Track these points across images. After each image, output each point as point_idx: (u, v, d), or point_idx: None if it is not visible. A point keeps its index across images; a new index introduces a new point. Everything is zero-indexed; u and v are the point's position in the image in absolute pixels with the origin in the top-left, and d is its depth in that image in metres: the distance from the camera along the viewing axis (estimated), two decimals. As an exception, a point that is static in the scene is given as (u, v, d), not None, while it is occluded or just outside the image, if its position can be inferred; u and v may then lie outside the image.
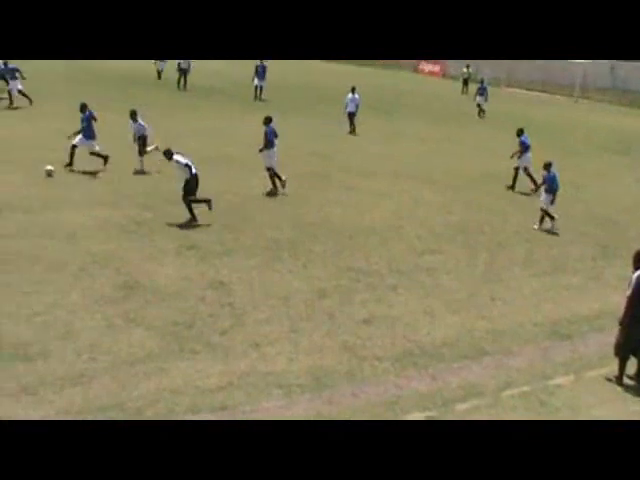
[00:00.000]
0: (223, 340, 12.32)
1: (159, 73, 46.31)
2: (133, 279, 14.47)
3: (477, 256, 17.70)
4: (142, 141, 22.82)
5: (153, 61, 46.42)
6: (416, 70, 72.24)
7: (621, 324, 11.84)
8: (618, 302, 12.79)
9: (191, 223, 18.02)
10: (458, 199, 23.09)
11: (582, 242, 19.58)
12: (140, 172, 22.53)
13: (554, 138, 36.05)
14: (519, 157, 24.62)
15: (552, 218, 20.14)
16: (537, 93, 59.91)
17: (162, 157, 18.52)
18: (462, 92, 54.18)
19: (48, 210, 18.13)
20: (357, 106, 33.27)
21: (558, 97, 58.13)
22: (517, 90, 60.89)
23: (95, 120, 22.49)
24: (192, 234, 17.30)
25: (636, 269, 11.76)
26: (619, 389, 11.86)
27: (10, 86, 33.01)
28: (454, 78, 61.81)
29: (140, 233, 17.15)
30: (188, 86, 42.66)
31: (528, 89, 61.14)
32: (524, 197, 23.12)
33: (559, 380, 12.00)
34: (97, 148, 22.48)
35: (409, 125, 37.52)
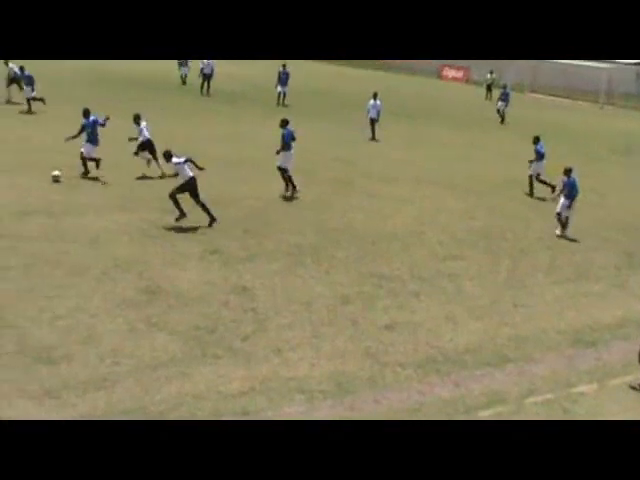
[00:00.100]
0: (245, 345, 12.35)
1: (183, 78, 46.43)
2: (155, 284, 14.53)
3: (500, 262, 17.64)
4: (146, 145, 22.63)
5: (177, 67, 46.56)
6: (439, 76, 72.03)
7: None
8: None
9: (179, 221, 18.02)
10: (480, 205, 23.02)
11: (605, 249, 19.47)
12: (162, 176, 22.44)
13: (577, 144, 35.86)
14: (532, 164, 24.61)
15: (564, 226, 20.00)
16: (561, 99, 59.54)
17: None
18: (485, 98, 53.95)
19: (70, 214, 18.23)
20: (379, 112, 33.18)
21: (581, 103, 57.76)
22: (541, 96, 60.54)
23: (102, 126, 22.18)
24: (214, 239, 17.35)
25: None
26: (643, 397, 11.79)
27: (25, 93, 33.09)
28: (477, 84, 61.54)
29: (162, 237, 17.22)
30: (211, 91, 42.76)
31: (552, 95, 60.77)
32: (546, 203, 22.99)
33: (583, 388, 11.95)
34: (94, 155, 22.02)
35: (432, 131, 37.44)
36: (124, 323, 12.75)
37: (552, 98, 59.88)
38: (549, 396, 11.57)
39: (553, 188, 23.45)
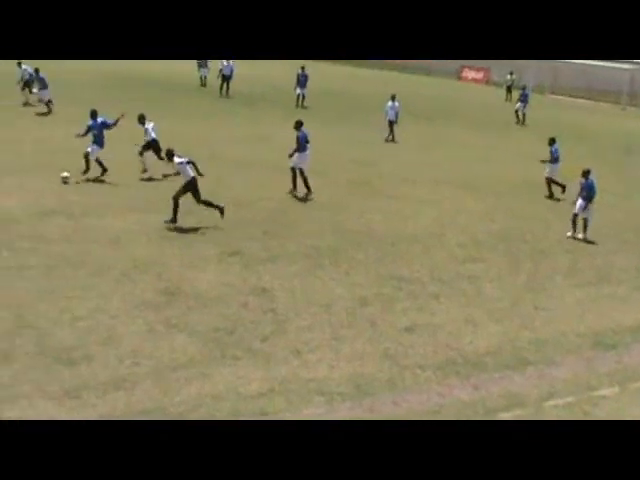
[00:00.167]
0: (264, 346, 12.35)
1: (202, 80, 46.55)
2: (174, 285, 14.57)
3: (519, 265, 17.57)
4: (152, 145, 22.61)
5: (196, 68, 46.69)
6: (459, 77, 71.85)
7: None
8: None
9: (170, 224, 17.95)
10: (500, 206, 22.94)
11: (625, 251, 19.34)
12: (167, 175, 22.32)
13: (597, 146, 35.68)
14: (547, 166, 24.57)
15: (584, 229, 19.88)
16: (582, 100, 59.21)
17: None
18: (505, 99, 53.76)
19: (89, 216, 18.31)
20: (397, 114, 33.15)
21: (602, 104, 57.38)
22: (561, 97, 60.25)
23: (109, 127, 22.05)
24: (233, 240, 17.36)
25: None
26: (665, 401, 11.70)
27: (41, 95, 33.21)
28: (497, 85, 61.34)
29: (181, 239, 17.27)
30: (230, 93, 42.83)
31: (572, 96, 60.46)
32: (566, 205, 22.87)
33: (603, 391, 11.87)
34: (97, 156, 21.95)
35: (451, 132, 37.35)
36: (143, 324, 12.79)
37: (573, 99, 59.58)
38: (569, 399, 11.50)
39: (564, 188, 23.90)
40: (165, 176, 21.56)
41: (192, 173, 18.11)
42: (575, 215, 19.88)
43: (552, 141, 24.63)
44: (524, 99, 42.78)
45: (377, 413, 10.61)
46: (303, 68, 40.86)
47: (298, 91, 41.32)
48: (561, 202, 23.76)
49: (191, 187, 18.11)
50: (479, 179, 26.47)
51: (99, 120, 21.91)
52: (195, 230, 17.91)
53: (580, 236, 19.91)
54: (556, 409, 11.14)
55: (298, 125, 21.96)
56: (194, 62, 46.62)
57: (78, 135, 21.90)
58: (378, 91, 45.77)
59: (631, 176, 29.59)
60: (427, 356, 12.54)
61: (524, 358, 12.82)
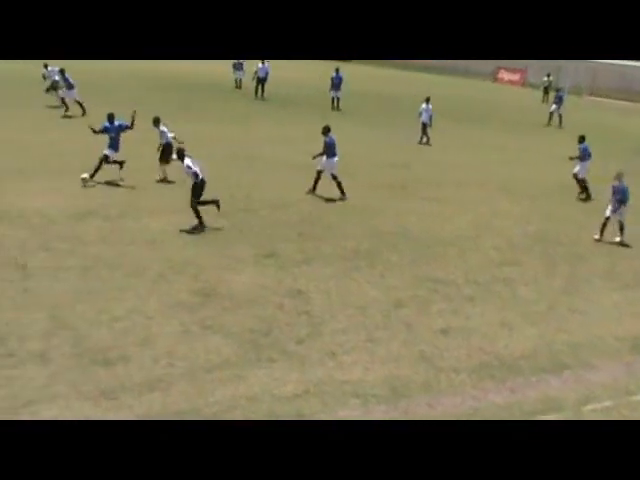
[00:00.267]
0: (300, 348, 12.35)
1: (238, 82, 46.75)
2: (210, 286, 14.62)
3: (556, 267, 17.43)
4: (166, 148, 22.23)
5: (232, 70, 46.92)
6: (495, 79, 71.55)
7: None
8: None
9: (199, 230, 17.91)
10: (535, 209, 22.80)
11: (665, 254, 19.12)
12: (162, 181, 22.31)
13: (632, 148, 35.32)
14: (576, 162, 24.48)
15: (602, 232, 19.64)
16: (620, 102, 58.67)
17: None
18: (542, 101, 53.45)
19: (127, 217, 18.44)
20: (431, 117, 33.03)
21: (640, 106, 56.82)
22: (599, 99, 59.74)
23: (131, 128, 21.88)
24: (269, 242, 17.40)
25: None
26: None
27: (68, 95, 33.39)
28: (534, 87, 60.95)
29: (216, 240, 17.33)
30: (266, 95, 42.98)
31: (611, 97, 59.92)
32: (601, 207, 22.67)
33: (642, 396, 11.74)
34: (112, 160, 21.76)
35: (486, 134, 37.19)
36: (179, 325, 12.84)
37: (611, 101, 59.05)
38: (607, 403, 11.37)
39: (584, 190, 24.57)
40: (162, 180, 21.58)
41: (201, 175, 18.01)
42: (607, 219, 19.63)
43: (582, 139, 24.63)
44: (559, 101, 42.57)
45: (412, 415, 10.57)
46: (337, 70, 40.89)
47: (332, 94, 41.36)
48: (596, 205, 23.52)
49: (200, 189, 18.04)
50: (514, 181, 26.33)
51: (116, 123, 21.79)
52: (231, 231, 17.98)
53: (617, 239, 19.71)
54: (594, 413, 11.02)
55: (326, 131, 21.98)
56: (230, 64, 46.86)
57: (92, 129, 21.86)
58: (413, 93, 45.71)
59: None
60: (462, 359, 12.48)
61: (561, 362, 12.70)
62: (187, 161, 18.04)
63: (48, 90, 34.56)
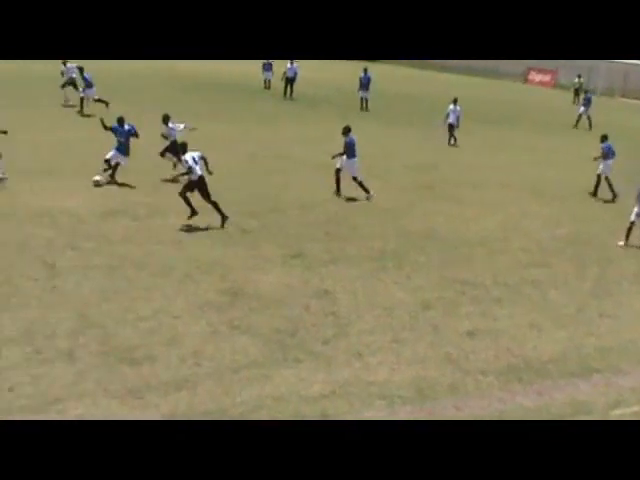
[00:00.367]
0: (326, 349, 12.32)
1: (267, 82, 46.87)
2: (237, 286, 14.62)
3: (585, 270, 17.26)
4: (171, 146, 22.11)
5: (261, 71, 47.03)
6: (525, 80, 71.10)
7: None
8: None
9: (192, 217, 18.00)
10: (565, 211, 22.62)
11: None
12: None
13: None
14: (599, 162, 24.32)
15: (628, 237, 19.30)
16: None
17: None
18: (573, 102, 53.04)
19: (154, 216, 18.50)
20: (458, 118, 32.84)
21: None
22: (632, 101, 59.16)
23: (137, 136, 21.78)
24: (296, 242, 17.39)
25: None
26: None
27: (87, 94, 33.48)
28: (565, 88, 60.48)
29: (245, 240, 17.35)
30: (294, 95, 43.01)
31: (644, 100, 59.33)
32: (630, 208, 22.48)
33: (673, 401, 11.58)
34: (123, 163, 21.62)
35: (515, 136, 36.97)
36: (206, 325, 12.85)
37: (643, 103, 58.50)
38: (636, 408, 11.22)
39: (595, 190, 24.57)
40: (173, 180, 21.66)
41: (200, 172, 17.98)
42: (631, 223, 19.24)
43: (604, 138, 24.52)
44: (587, 103, 42.26)
45: (438, 417, 10.50)
46: (366, 70, 40.83)
47: (361, 94, 41.30)
48: (626, 207, 23.28)
49: (195, 185, 18.02)
50: (543, 183, 26.15)
51: (126, 127, 21.56)
52: (258, 231, 17.99)
53: (622, 244, 19.36)
54: (623, 418, 10.89)
55: (346, 131, 21.97)
56: (259, 65, 46.97)
57: (103, 124, 21.81)
58: (442, 94, 45.53)
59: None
60: (489, 361, 12.38)
61: (590, 365, 12.57)
62: (187, 156, 18.00)
63: (64, 86, 34.71)
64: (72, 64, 34.20)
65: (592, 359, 12.81)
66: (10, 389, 10.35)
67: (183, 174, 18.44)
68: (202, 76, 49.00)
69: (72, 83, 34.45)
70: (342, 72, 52.81)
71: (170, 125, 22.50)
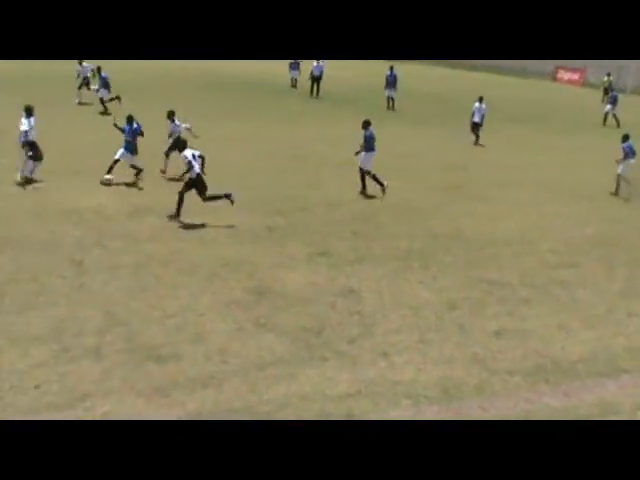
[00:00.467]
0: (352, 348, 12.28)
1: (293, 81, 46.96)
2: (264, 284, 14.63)
3: (614, 271, 17.10)
4: (175, 143, 22.15)
5: (288, 70, 47.14)
6: (554, 78, 70.67)
7: None
8: None
9: (173, 218, 18.08)
10: (594, 211, 22.43)
11: None
12: (163, 172, 22.44)
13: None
14: (620, 163, 24.19)
15: None
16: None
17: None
18: (602, 101, 52.66)
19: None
20: (483, 116, 32.68)
21: None
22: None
23: (142, 135, 21.76)
24: (323, 241, 17.37)
25: None
26: None
27: (101, 94, 33.63)
28: (594, 87, 60.05)
29: (272, 239, 17.35)
30: (321, 93, 43.03)
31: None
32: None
33: (702, 403, 11.43)
34: (137, 163, 21.64)
35: (544, 135, 36.74)
36: (232, 323, 12.86)
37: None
38: (665, 409, 11.12)
39: (616, 190, 24.59)
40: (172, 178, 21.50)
41: (198, 170, 18.03)
42: None
43: (625, 138, 24.53)
44: (613, 101, 42.05)
45: (464, 417, 10.44)
46: (392, 68, 40.74)
47: (387, 93, 41.23)
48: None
49: (193, 184, 18.08)
50: (572, 182, 25.97)
51: (134, 125, 21.56)
52: (286, 230, 17.99)
53: None
54: (651, 419, 10.78)
55: (366, 125, 22.13)
56: (286, 64, 47.07)
57: (116, 124, 21.84)
58: (469, 93, 45.33)
59: None
60: (516, 361, 12.29)
61: (619, 366, 12.44)
62: (187, 152, 18.02)
63: (80, 87, 35.00)
64: (88, 64, 34.44)
65: (621, 359, 12.69)
66: (37, 386, 10.41)
67: (184, 173, 18.50)
68: (229, 75, 49.15)
69: (86, 83, 34.75)
70: (369, 70, 52.76)
71: (176, 122, 22.64)
